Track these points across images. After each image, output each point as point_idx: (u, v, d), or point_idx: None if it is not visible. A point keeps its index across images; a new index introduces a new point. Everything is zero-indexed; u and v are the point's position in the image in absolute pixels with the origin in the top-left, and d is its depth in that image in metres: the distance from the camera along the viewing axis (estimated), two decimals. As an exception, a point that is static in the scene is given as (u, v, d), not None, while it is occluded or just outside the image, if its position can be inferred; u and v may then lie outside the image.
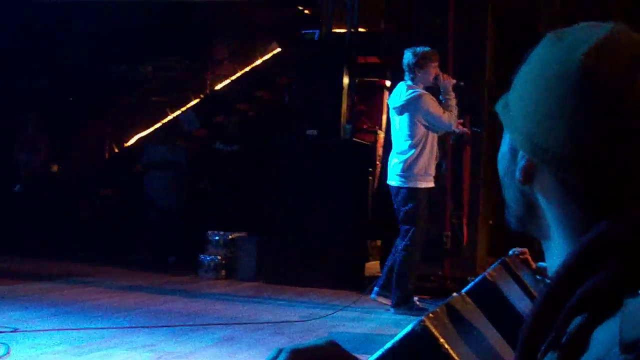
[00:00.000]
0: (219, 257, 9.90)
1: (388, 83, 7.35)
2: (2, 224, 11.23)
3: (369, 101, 11.80)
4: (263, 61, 16.01)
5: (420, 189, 7.49)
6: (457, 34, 8.85)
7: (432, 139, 7.57)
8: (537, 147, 1.04)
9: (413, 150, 7.46)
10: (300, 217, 9.37)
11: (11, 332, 5.76)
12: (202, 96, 15.78)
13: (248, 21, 15.85)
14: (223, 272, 9.87)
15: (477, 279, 2.96)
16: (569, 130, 1.00)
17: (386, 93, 10.60)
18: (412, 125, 7.45)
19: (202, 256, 9.96)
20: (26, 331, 5.85)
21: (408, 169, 7.47)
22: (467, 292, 2.50)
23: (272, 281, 9.35)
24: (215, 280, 9.69)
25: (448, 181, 8.65)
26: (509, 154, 1.12)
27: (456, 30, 8.85)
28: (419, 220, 7.49)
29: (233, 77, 16.00)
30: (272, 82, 14.09)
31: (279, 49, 15.46)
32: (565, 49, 1.04)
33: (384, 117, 10.58)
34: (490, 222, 9.39)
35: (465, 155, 8.67)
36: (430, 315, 1.90)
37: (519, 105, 1.09)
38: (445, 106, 7.48)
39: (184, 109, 15.46)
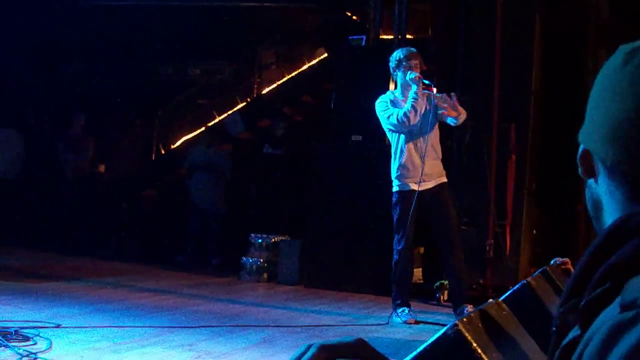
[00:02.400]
0: (261, 260, 9.93)
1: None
2: (49, 223, 11.39)
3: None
4: (310, 66, 16.05)
5: (399, 192, 7.27)
6: (504, 41, 8.79)
7: (414, 141, 7.22)
8: (585, 133, 1.11)
9: (392, 155, 7.36)
10: (343, 223, 9.37)
11: (54, 327, 5.84)
12: (248, 100, 15.86)
13: (296, 26, 15.93)
14: (265, 275, 9.90)
15: (515, 287, 2.94)
16: (607, 114, 1.06)
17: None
18: (385, 130, 7.46)
19: (244, 258, 10.00)
20: (68, 327, 5.91)
21: (390, 174, 7.38)
22: (504, 300, 2.48)
23: (313, 285, 9.36)
24: (256, 283, 9.73)
25: (492, 189, 8.58)
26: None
27: (503, 38, 8.79)
28: (399, 226, 7.24)
29: (280, 82, 16.07)
30: (318, 87, 14.12)
31: (325, 55, 15.49)
32: (630, 73, 1.06)
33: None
34: (534, 231, 9.30)
35: (510, 163, 8.60)
36: (464, 319, 1.90)
37: (594, 122, 1.12)
38: (405, 106, 7.14)
39: (230, 112, 15.56)
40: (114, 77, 14.18)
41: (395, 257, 7.27)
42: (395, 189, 7.31)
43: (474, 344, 1.83)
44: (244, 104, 15.81)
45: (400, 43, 10.09)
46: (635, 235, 0.96)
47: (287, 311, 7.72)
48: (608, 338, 0.86)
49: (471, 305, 7.22)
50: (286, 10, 15.11)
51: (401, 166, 7.23)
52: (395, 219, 7.29)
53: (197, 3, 14.06)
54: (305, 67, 16.11)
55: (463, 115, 7.22)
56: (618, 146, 1.04)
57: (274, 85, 16.06)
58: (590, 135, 1.09)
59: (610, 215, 1.09)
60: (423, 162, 7.18)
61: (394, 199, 7.31)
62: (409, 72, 7.14)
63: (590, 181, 1.13)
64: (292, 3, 14.06)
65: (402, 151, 7.24)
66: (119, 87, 14.32)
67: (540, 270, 3.38)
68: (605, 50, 8.89)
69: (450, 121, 7.28)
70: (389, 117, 7.17)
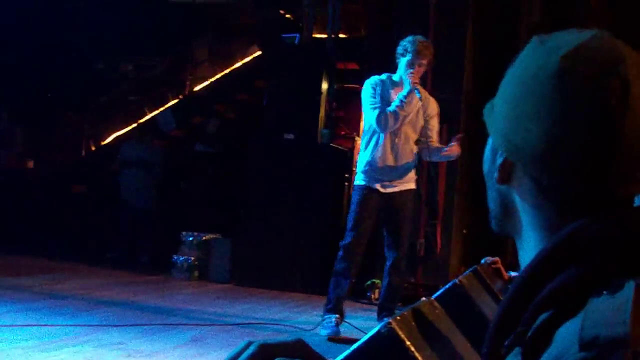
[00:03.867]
0: (192, 258, 9.87)
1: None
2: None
3: (348, 107, 11.80)
4: (243, 64, 16.00)
5: (361, 187, 6.68)
6: (437, 42, 8.86)
7: (393, 139, 6.64)
8: (513, 145, 1.06)
9: (364, 144, 6.79)
10: (275, 221, 9.37)
11: (-21, 326, 5.73)
12: (180, 97, 15.75)
13: (229, 23, 15.86)
14: (196, 273, 9.85)
15: (447, 285, 2.97)
16: (543, 130, 1.02)
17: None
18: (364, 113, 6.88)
19: (175, 257, 9.93)
20: (-5, 326, 5.81)
21: (357, 164, 6.91)
22: (436, 298, 2.51)
23: (245, 284, 9.35)
24: (187, 281, 9.67)
25: (423, 189, 8.66)
26: (491, 155, 1.14)
27: (436, 40, 8.87)
28: (351, 221, 6.67)
29: (212, 79, 15.99)
30: (252, 85, 14.09)
31: (259, 52, 15.46)
32: (546, 52, 1.06)
33: (362, 123, 10.59)
34: (464, 231, 9.42)
35: (441, 164, 8.70)
36: (397, 318, 1.92)
37: (501, 107, 1.11)
38: (391, 106, 6.55)
39: (162, 108, 15.42)
40: (44, 70, 13.95)
41: (340, 252, 6.67)
42: (358, 182, 6.73)
43: (407, 342, 1.84)
44: (176, 100, 15.68)
45: (333, 42, 10.14)
46: (579, 258, 0.95)
47: (219, 309, 7.69)
48: None
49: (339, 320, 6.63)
50: (220, 6, 15.05)
51: (371, 162, 6.64)
52: (350, 213, 6.74)
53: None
54: (238, 64, 16.05)
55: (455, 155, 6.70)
56: (557, 166, 1.02)
57: (207, 82, 15.97)
58: (519, 148, 1.05)
59: (533, 228, 1.08)
60: (396, 165, 6.65)
61: (353, 192, 6.78)
62: (409, 70, 6.50)
63: (502, 187, 1.11)
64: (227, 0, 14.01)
65: (376, 145, 6.64)
66: (50, 81, 14.10)
67: (471, 269, 3.43)
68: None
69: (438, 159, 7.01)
70: (370, 109, 6.57)
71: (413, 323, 2.03)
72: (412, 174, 6.81)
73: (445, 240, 8.78)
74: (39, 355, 5.11)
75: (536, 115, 1.03)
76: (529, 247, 1.09)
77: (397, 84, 6.64)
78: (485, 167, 1.16)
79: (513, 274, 5.33)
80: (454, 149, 6.50)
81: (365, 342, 1.78)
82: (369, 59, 9.65)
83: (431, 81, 8.65)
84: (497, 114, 1.12)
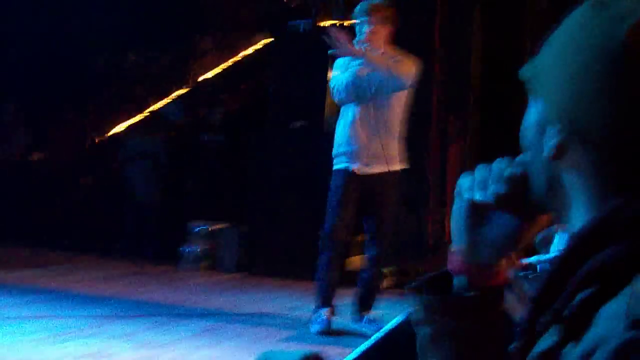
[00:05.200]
0: (200, 249, 9.85)
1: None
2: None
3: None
4: (248, 53, 15.95)
5: (337, 171, 6.24)
6: (444, 31, 8.83)
7: (363, 114, 6.08)
8: (574, 125, 0.99)
9: (337, 126, 6.36)
10: (282, 210, 9.33)
11: (-12, 318, 5.71)
12: (185, 88, 15.71)
13: (234, 12, 15.80)
14: (204, 264, 9.82)
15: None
16: (609, 111, 0.95)
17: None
18: None
19: (183, 247, 9.90)
20: (3, 318, 5.79)
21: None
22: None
23: (253, 273, 9.31)
24: (196, 272, 9.64)
25: (431, 176, 8.62)
26: (537, 125, 1.06)
27: (443, 28, 8.83)
28: (330, 210, 6.30)
29: (217, 69, 15.94)
30: (257, 74, 14.04)
31: (264, 41, 15.40)
32: (608, 20, 0.97)
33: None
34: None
35: (451, 152, 8.66)
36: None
37: (555, 75, 1.02)
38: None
39: (166, 100, 15.40)
40: (46, 63, 13.90)
41: (321, 243, 6.43)
42: (335, 166, 6.26)
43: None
44: (180, 92, 15.65)
45: (339, 29, 10.07)
46: (623, 235, 0.91)
47: (228, 299, 7.67)
48: (617, 358, 0.80)
49: (373, 312, 6.37)
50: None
51: (343, 143, 6.16)
52: (328, 200, 6.33)
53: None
54: (243, 54, 16.00)
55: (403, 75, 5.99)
56: (622, 147, 0.95)
57: (211, 73, 15.93)
58: (583, 128, 0.98)
59: (584, 207, 1.01)
60: (371, 142, 6.07)
61: (332, 177, 6.29)
62: (358, 33, 6.11)
63: (551, 163, 1.03)
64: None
65: (345, 125, 6.18)
66: (52, 73, 14.05)
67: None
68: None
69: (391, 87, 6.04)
70: (331, 84, 6.21)
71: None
72: (395, 152, 6.20)
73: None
74: (48, 348, 5.09)
75: (601, 94, 0.96)
76: (577, 226, 1.02)
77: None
78: (528, 137, 1.09)
79: (526, 260, 5.31)
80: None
81: (391, 330, 1.77)
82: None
83: (439, 71, 8.60)
84: (547, 81, 1.03)
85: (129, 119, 15.17)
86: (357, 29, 6.14)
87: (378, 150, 6.08)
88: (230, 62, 15.87)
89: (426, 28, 8.82)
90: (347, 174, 6.14)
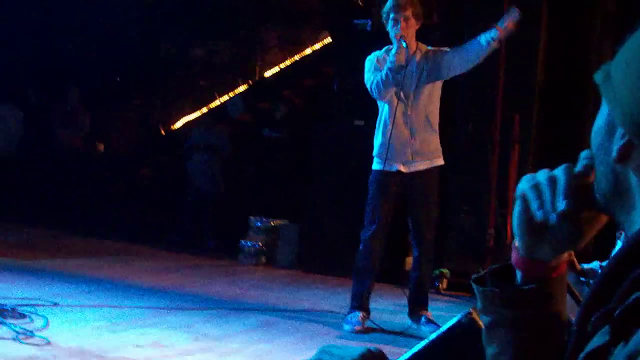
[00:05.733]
0: (259, 243, 9.89)
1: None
2: (44, 200, 11.35)
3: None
4: (313, 50, 15.99)
5: (380, 171, 6.17)
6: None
7: (403, 111, 6.10)
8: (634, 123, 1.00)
9: (377, 125, 6.35)
10: (341, 207, 9.31)
11: (51, 306, 5.80)
12: (250, 82, 15.81)
13: (299, 9, 15.84)
14: (263, 259, 9.86)
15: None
16: None
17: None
18: None
19: (242, 241, 9.95)
20: (65, 305, 5.88)
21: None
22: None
23: (311, 270, 9.32)
24: (254, 266, 9.68)
25: (493, 177, 8.53)
26: (605, 128, 1.08)
27: (509, 27, 8.72)
28: (370, 211, 6.19)
29: (282, 65, 16.01)
30: (320, 71, 14.06)
31: (329, 39, 15.42)
32: None
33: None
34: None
35: (514, 152, 8.56)
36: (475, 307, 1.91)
37: (623, 79, 1.03)
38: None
39: (231, 94, 15.50)
40: (113, 52, 14.07)
41: (360, 246, 6.25)
42: (374, 166, 6.23)
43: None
44: (245, 86, 15.75)
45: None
46: None
47: (285, 295, 7.70)
48: None
49: (430, 313, 6.36)
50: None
51: (385, 142, 6.08)
52: (368, 202, 6.22)
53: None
54: (308, 50, 16.05)
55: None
56: None
57: (276, 68, 16.01)
58: None
59: None
60: (413, 138, 6.09)
61: (371, 178, 6.24)
62: (395, 29, 6.02)
63: (618, 165, 1.05)
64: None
65: (386, 123, 6.14)
66: (119, 63, 14.23)
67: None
68: (610, 43, 8.83)
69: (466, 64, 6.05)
70: (367, 83, 6.17)
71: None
72: (436, 146, 6.19)
73: (515, 230, 8.63)
74: (108, 336, 5.16)
75: None
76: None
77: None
78: (597, 139, 1.10)
79: (586, 266, 5.22)
80: (509, 24, 5.81)
81: (446, 331, 1.80)
82: (441, 46, 9.53)
83: (504, 70, 8.50)
84: (618, 85, 1.03)
85: (193, 111, 15.31)
86: (389, 24, 6.06)
87: (422, 146, 6.11)
88: (295, 58, 15.92)
89: (492, 25, 8.73)
90: (388, 175, 6.14)
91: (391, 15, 6.02)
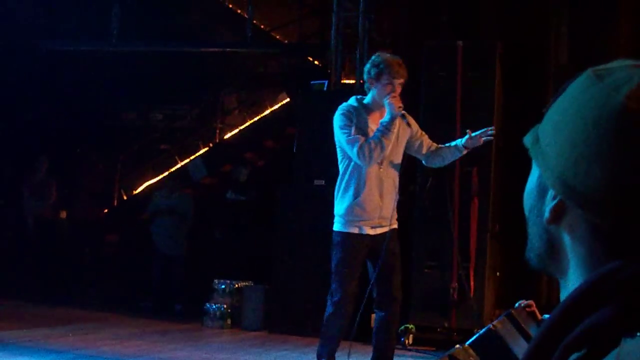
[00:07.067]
0: (224, 306, 9.85)
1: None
2: (10, 269, 11.24)
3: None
4: (272, 111, 16.11)
5: (348, 234, 5.94)
6: (465, 85, 8.87)
7: (376, 173, 5.92)
8: (570, 189, 1.01)
9: (341, 183, 6.04)
10: (307, 267, 9.32)
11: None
12: (211, 145, 15.86)
13: (258, 71, 15.99)
14: (229, 321, 9.81)
15: (481, 331, 2.94)
16: (605, 174, 0.98)
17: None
18: (337, 148, 6.15)
19: (207, 304, 9.91)
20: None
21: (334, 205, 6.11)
22: (471, 344, 2.49)
23: (278, 331, 9.29)
24: (220, 329, 9.63)
25: (455, 231, 8.60)
26: (537, 190, 1.10)
27: (464, 82, 8.88)
28: (339, 273, 5.95)
29: (242, 127, 16.10)
30: (281, 131, 14.16)
31: (288, 99, 15.55)
32: (605, 90, 1.01)
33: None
34: (498, 273, 9.34)
35: (473, 205, 8.65)
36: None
37: (552, 142, 1.06)
38: (373, 135, 5.87)
39: (192, 157, 15.53)
40: (75, 122, 14.09)
41: (329, 309, 5.95)
42: (341, 228, 5.95)
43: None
44: (206, 149, 15.80)
45: (361, 87, 10.13)
46: (612, 298, 0.93)
47: (253, 357, 7.65)
48: None
49: None
50: (248, 55, 15.17)
51: (356, 203, 5.87)
52: (334, 264, 5.95)
53: (159, 48, 14.06)
54: (267, 111, 16.17)
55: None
56: (619, 211, 0.97)
57: (237, 130, 16.09)
58: (578, 192, 1.00)
59: (581, 270, 1.04)
60: (382, 201, 5.92)
61: (336, 239, 5.96)
62: (387, 96, 5.85)
63: (551, 226, 1.06)
64: (255, 48, 14.11)
65: (358, 184, 5.90)
66: (81, 131, 14.24)
67: (505, 313, 3.38)
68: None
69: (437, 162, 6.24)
70: (348, 143, 5.87)
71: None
72: (395, 210, 6.04)
73: (479, 283, 8.69)
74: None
75: (598, 158, 0.98)
76: (574, 286, 1.05)
77: (371, 109, 6.00)
78: (529, 202, 1.13)
79: (547, 317, 5.28)
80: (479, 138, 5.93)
81: None
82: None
83: (460, 123, 8.62)
84: (547, 148, 1.07)
85: (155, 176, 15.31)
86: (379, 84, 5.90)
87: (388, 210, 5.95)
88: (255, 119, 16.01)
89: (448, 81, 8.88)
90: (358, 238, 5.93)
91: (386, 78, 5.84)
